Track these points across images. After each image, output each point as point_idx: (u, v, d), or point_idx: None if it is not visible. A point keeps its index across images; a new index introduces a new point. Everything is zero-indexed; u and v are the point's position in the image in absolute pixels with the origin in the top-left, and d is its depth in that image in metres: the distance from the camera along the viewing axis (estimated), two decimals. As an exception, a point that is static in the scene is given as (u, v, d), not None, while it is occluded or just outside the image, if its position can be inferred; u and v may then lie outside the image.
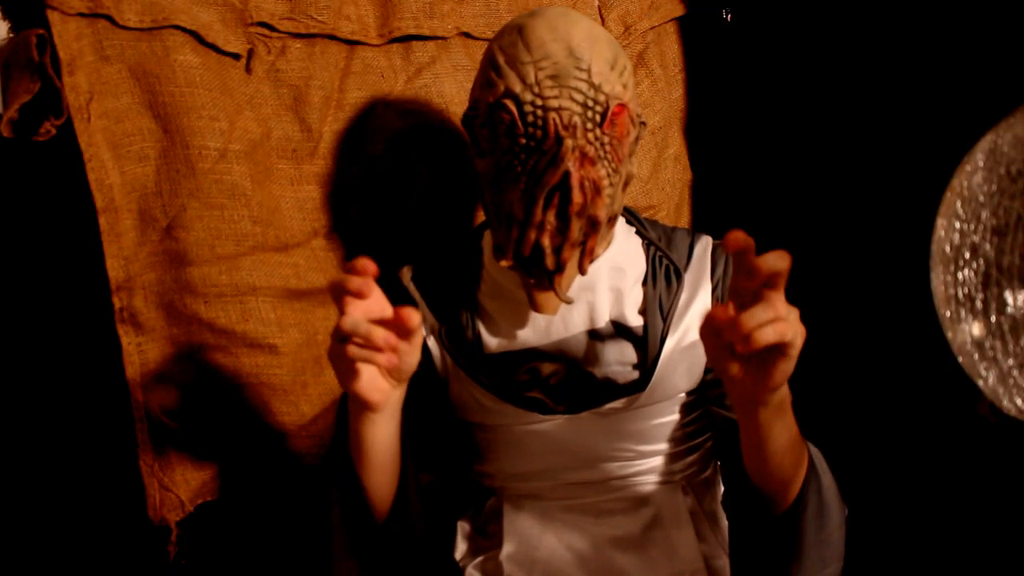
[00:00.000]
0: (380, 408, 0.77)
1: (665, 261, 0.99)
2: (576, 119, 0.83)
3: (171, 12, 1.00)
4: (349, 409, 0.81)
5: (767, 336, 0.67)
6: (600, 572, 0.97)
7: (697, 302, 0.98)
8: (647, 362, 0.96)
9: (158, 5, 0.99)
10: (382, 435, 0.81)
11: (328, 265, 1.12)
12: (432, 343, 0.99)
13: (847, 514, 0.88)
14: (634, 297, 0.97)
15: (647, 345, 0.96)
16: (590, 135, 0.84)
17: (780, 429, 0.79)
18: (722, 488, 1.06)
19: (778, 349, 0.69)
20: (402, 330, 0.74)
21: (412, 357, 0.76)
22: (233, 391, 1.07)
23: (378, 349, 0.71)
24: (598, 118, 0.85)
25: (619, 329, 0.96)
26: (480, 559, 1.02)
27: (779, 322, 0.68)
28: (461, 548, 1.05)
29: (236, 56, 1.05)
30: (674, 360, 0.96)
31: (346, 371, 0.74)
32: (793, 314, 0.69)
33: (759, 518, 0.85)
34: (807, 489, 0.83)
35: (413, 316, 0.73)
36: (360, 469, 0.82)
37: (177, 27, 1.00)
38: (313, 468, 1.11)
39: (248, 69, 1.07)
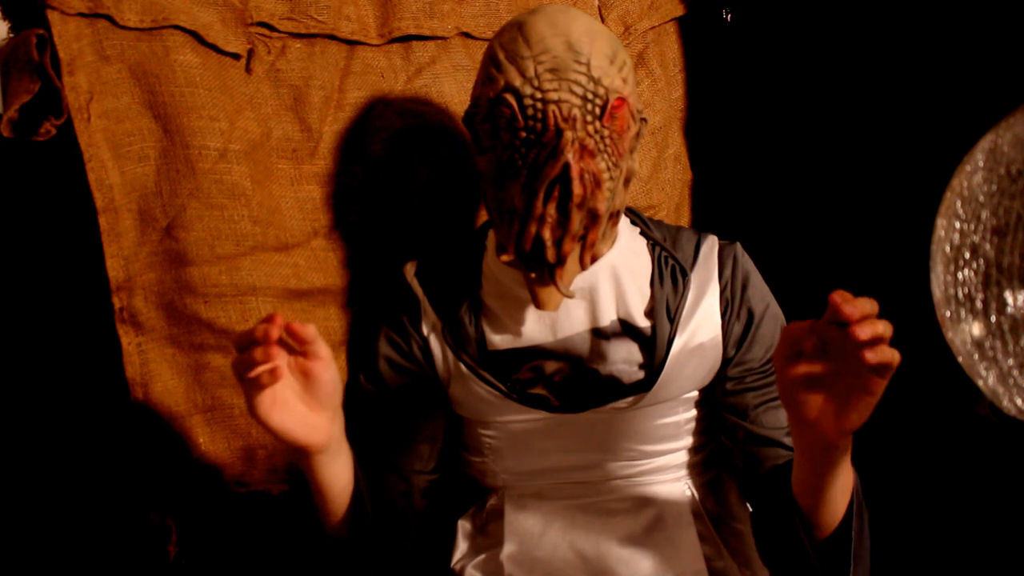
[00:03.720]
0: (316, 448, 0.81)
1: (671, 261, 0.99)
2: (575, 111, 0.83)
3: (171, 12, 1.00)
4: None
5: (884, 354, 0.66)
6: (602, 572, 0.96)
7: (705, 303, 0.98)
8: (654, 363, 0.96)
9: (158, 5, 0.99)
10: (327, 476, 0.85)
11: (328, 265, 1.12)
12: (434, 341, 0.99)
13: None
14: (640, 297, 0.97)
15: (655, 347, 0.96)
16: (590, 128, 0.84)
17: (843, 468, 0.80)
18: (726, 490, 1.06)
19: (863, 386, 0.69)
20: (301, 344, 0.76)
21: (322, 372, 0.78)
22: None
23: (256, 361, 0.72)
24: (598, 111, 0.85)
25: (627, 329, 0.96)
26: (481, 558, 1.01)
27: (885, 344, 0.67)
28: (461, 547, 1.05)
29: (236, 56, 1.05)
30: (681, 361, 0.96)
31: (247, 399, 0.75)
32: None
33: (806, 542, 0.86)
34: (851, 512, 0.84)
35: (306, 327, 0.75)
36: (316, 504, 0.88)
37: (177, 27, 1.00)
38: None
39: (248, 69, 1.07)
